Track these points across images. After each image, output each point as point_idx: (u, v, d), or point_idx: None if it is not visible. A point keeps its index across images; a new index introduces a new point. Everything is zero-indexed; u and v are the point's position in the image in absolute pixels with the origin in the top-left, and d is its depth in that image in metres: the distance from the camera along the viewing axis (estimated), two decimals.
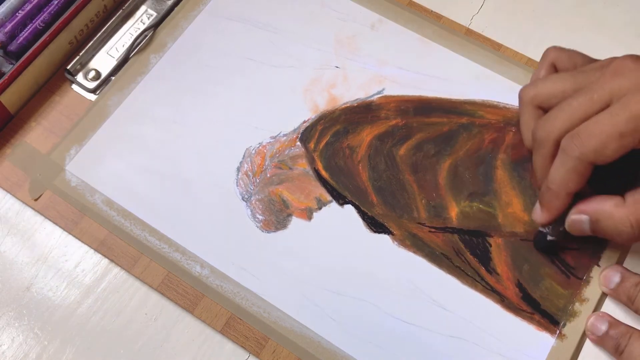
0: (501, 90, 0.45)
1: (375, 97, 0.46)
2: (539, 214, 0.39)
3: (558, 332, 0.39)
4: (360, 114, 0.45)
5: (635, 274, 0.39)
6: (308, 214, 0.42)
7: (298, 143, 0.44)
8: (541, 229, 0.40)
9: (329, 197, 0.43)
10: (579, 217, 0.38)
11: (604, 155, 0.35)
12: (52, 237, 0.42)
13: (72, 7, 0.46)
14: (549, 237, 0.40)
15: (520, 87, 0.45)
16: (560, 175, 0.37)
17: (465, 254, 0.41)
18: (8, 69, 0.44)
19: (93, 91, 0.46)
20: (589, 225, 0.37)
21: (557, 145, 0.37)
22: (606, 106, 0.36)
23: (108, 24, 0.48)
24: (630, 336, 0.37)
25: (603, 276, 0.39)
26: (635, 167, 0.38)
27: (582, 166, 0.36)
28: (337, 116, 0.45)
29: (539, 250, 0.41)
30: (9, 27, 0.45)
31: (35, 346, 0.40)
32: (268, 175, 0.43)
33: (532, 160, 0.39)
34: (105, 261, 0.42)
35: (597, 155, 0.35)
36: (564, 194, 0.37)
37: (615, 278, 0.39)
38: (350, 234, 0.41)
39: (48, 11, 0.46)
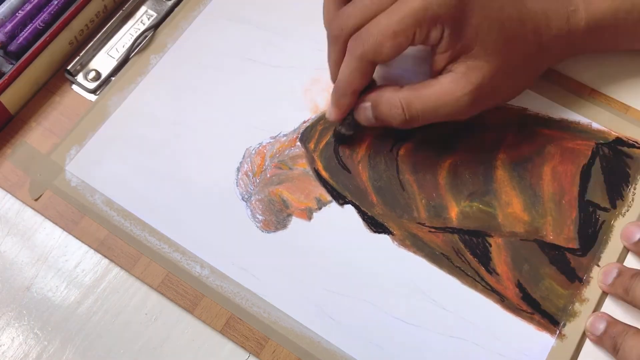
0: None
1: None
2: (329, 112, 0.41)
3: (558, 332, 0.39)
4: None
5: (634, 268, 0.39)
6: (308, 214, 0.42)
7: (298, 143, 0.44)
8: (337, 127, 0.43)
9: (329, 197, 0.43)
10: (363, 105, 0.40)
11: (382, 54, 0.37)
12: (52, 237, 0.42)
13: (72, 7, 0.46)
14: (344, 131, 0.43)
15: None
16: (345, 74, 0.39)
17: (465, 254, 0.41)
18: (8, 69, 0.44)
19: (93, 92, 0.46)
20: (371, 112, 0.40)
21: (347, 43, 0.39)
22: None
23: (108, 24, 0.48)
24: (626, 334, 0.37)
25: (601, 272, 0.40)
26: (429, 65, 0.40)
27: (363, 65, 0.38)
28: None
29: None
30: (9, 27, 0.45)
31: (35, 346, 0.40)
32: (268, 175, 0.43)
33: (327, 57, 0.41)
34: (105, 261, 0.42)
35: (376, 55, 0.37)
36: (349, 92, 0.40)
37: (613, 273, 0.39)
38: (350, 234, 0.41)
39: (48, 11, 0.46)
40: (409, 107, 0.38)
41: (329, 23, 0.41)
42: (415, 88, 0.39)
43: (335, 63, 0.40)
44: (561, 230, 0.41)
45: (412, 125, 0.39)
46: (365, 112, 0.40)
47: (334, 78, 0.41)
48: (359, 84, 0.39)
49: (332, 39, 0.40)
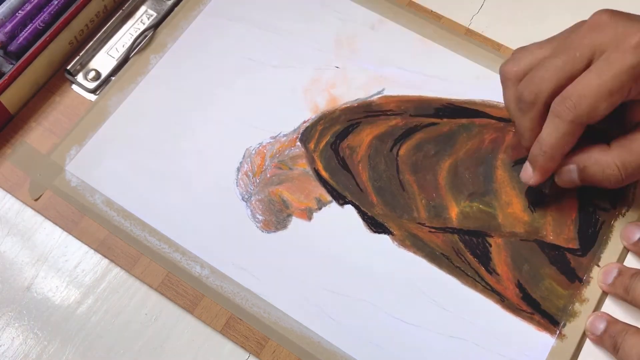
0: (501, 90, 0.45)
1: (375, 97, 0.46)
2: (530, 176, 0.39)
3: (558, 332, 0.39)
4: (360, 114, 0.45)
5: (634, 268, 0.39)
6: (308, 214, 0.42)
7: (298, 143, 0.44)
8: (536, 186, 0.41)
9: (329, 197, 0.43)
10: (568, 167, 0.39)
11: (596, 114, 0.36)
12: (52, 237, 0.42)
13: (72, 7, 0.46)
14: (547, 191, 0.40)
15: None
16: (555, 139, 0.37)
17: (465, 254, 0.41)
18: (8, 69, 0.44)
19: (93, 91, 0.46)
20: (577, 174, 0.38)
21: (546, 106, 0.37)
22: (589, 63, 0.36)
23: (108, 24, 0.48)
24: (626, 333, 0.37)
25: (602, 272, 0.40)
26: (617, 118, 0.38)
27: (576, 128, 0.36)
28: (337, 116, 0.45)
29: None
30: (9, 27, 0.45)
31: (35, 346, 0.40)
32: (268, 175, 0.43)
33: (518, 125, 0.40)
34: (105, 261, 0.42)
35: (591, 116, 0.36)
36: (559, 156, 0.38)
37: (613, 273, 0.39)
38: (350, 234, 0.41)
39: (48, 11, 0.46)
40: (625, 166, 0.37)
41: (519, 93, 0.39)
42: (625, 145, 0.37)
43: (532, 129, 0.39)
44: (561, 231, 0.41)
45: (625, 184, 0.38)
46: (570, 175, 0.39)
47: (529, 144, 0.39)
48: (569, 147, 0.37)
49: (526, 106, 0.38)
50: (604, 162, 0.37)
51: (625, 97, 0.36)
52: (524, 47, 0.40)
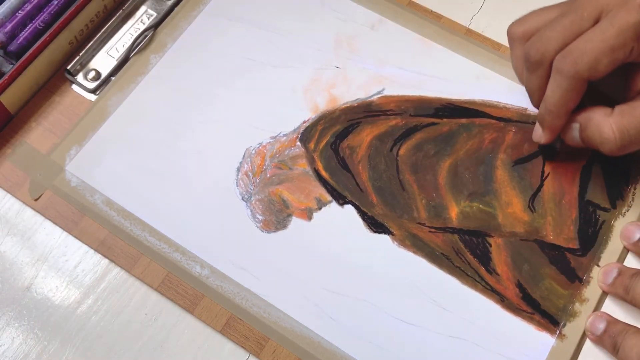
0: (501, 90, 0.45)
1: (375, 97, 0.46)
2: (541, 135, 0.40)
3: (558, 332, 0.39)
4: (360, 114, 0.45)
5: (634, 268, 0.39)
6: (308, 214, 0.42)
7: (298, 143, 0.44)
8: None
9: (329, 197, 0.43)
10: (571, 125, 0.39)
11: (597, 71, 0.36)
12: (52, 237, 0.42)
13: (72, 7, 0.46)
14: (559, 146, 0.42)
15: (520, 86, 0.45)
16: (558, 95, 0.37)
17: (465, 254, 0.41)
18: (8, 69, 0.44)
19: (93, 91, 0.46)
20: (578, 133, 0.39)
21: (552, 65, 0.37)
22: (595, 22, 0.36)
23: (108, 24, 0.48)
24: (626, 333, 0.37)
25: (602, 272, 0.40)
26: (625, 82, 0.38)
27: (578, 84, 0.36)
28: (337, 116, 0.45)
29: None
30: (9, 27, 0.45)
31: (35, 346, 0.40)
32: (268, 175, 0.43)
33: (526, 84, 0.40)
34: (105, 261, 0.42)
35: (592, 72, 0.36)
36: (564, 113, 0.38)
37: (613, 273, 0.39)
38: (350, 234, 0.41)
39: (48, 11, 0.46)
40: (622, 132, 0.36)
41: (526, 53, 0.39)
42: (625, 111, 0.37)
43: (539, 88, 0.39)
44: (561, 230, 0.41)
45: (623, 151, 0.37)
46: (572, 132, 0.39)
47: (537, 104, 0.40)
48: (573, 104, 0.38)
49: (533, 65, 0.38)
50: (602, 124, 0.37)
51: (627, 55, 0.35)
52: (532, 11, 0.40)
